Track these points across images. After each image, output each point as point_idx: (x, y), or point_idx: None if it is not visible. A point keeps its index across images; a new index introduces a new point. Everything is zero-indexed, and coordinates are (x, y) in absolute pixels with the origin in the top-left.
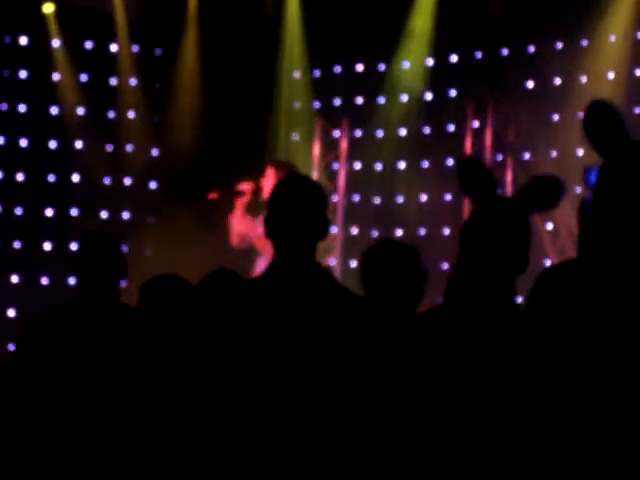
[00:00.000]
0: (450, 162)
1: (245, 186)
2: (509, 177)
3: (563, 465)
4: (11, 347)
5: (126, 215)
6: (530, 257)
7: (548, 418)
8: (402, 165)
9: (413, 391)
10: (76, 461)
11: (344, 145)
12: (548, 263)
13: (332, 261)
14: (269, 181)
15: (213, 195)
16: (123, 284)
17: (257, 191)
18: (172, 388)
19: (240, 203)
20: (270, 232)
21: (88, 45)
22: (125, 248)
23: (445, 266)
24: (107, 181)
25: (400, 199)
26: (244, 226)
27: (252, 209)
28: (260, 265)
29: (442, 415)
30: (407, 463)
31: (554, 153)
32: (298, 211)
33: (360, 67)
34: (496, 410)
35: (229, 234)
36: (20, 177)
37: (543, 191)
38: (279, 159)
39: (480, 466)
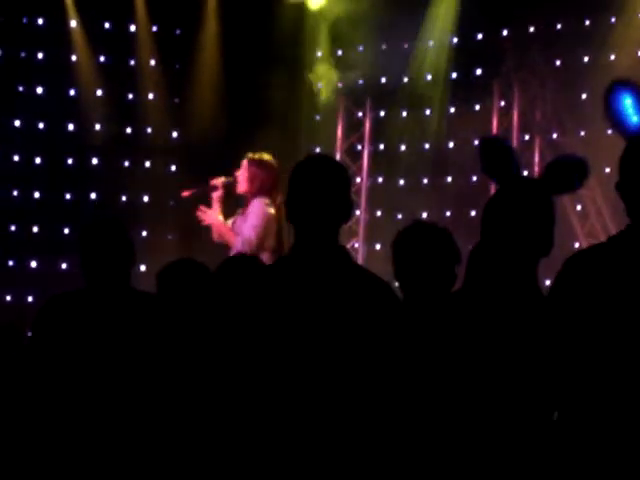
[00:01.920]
0: (476, 142)
1: (218, 180)
2: (536, 157)
3: (585, 453)
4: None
5: (146, 198)
6: (557, 239)
7: (571, 403)
8: (426, 146)
9: (435, 376)
10: (88, 451)
11: (367, 126)
12: (577, 245)
13: (355, 244)
14: (243, 174)
15: (186, 193)
16: (142, 268)
17: (231, 184)
18: (190, 374)
19: (216, 197)
20: (291, 215)
21: (106, 25)
22: (144, 232)
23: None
24: (126, 164)
25: (425, 181)
26: (216, 221)
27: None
28: None
29: (464, 399)
30: (434, 446)
31: (582, 132)
32: (320, 192)
33: (383, 46)
34: (518, 394)
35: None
36: (38, 160)
37: (567, 172)
38: (258, 154)
39: (501, 448)
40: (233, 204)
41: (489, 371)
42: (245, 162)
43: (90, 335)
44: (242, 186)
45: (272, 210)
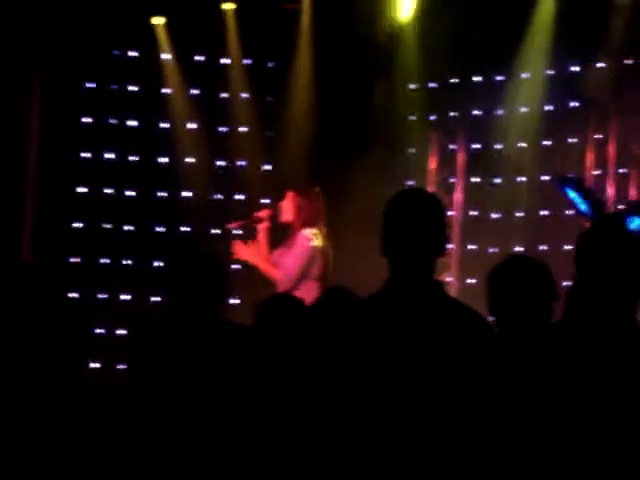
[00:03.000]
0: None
1: (263, 213)
2: (633, 191)
3: None
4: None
5: (238, 231)
6: None
7: None
8: (521, 179)
9: (534, 412)
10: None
11: (461, 158)
12: None
13: (448, 278)
14: (287, 205)
15: (232, 225)
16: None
17: (275, 216)
18: (285, 405)
19: (262, 230)
20: (386, 248)
21: (198, 58)
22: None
23: (567, 284)
24: (218, 196)
25: (519, 214)
26: (251, 257)
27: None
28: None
29: (564, 437)
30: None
31: None
32: (417, 226)
33: (477, 78)
34: (618, 430)
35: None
36: (130, 193)
37: None
38: (302, 185)
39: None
40: (280, 233)
41: (588, 408)
42: (291, 193)
43: (184, 364)
44: (287, 216)
45: (318, 242)
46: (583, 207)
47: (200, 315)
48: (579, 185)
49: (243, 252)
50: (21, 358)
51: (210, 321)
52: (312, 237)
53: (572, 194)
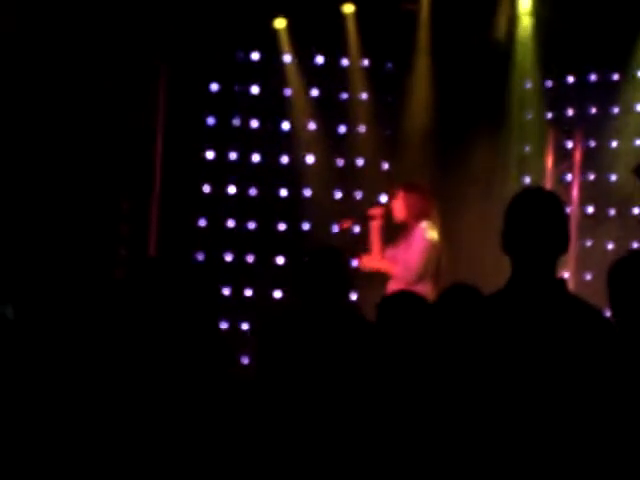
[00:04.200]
0: None
1: (376, 210)
2: None
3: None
4: (244, 360)
5: (357, 229)
6: None
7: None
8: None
9: None
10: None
11: (577, 156)
12: None
13: (566, 274)
14: (399, 203)
15: (345, 224)
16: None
17: (388, 214)
18: (409, 403)
19: (374, 227)
20: (508, 246)
21: (319, 60)
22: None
23: None
24: (338, 195)
25: (636, 211)
26: (375, 264)
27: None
28: (391, 285)
29: None
30: None
31: None
32: (540, 224)
33: (593, 77)
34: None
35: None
36: (253, 192)
37: None
38: (409, 181)
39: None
40: (392, 231)
41: None
42: (401, 191)
43: (313, 358)
44: (400, 214)
45: (435, 235)
46: None
47: (328, 308)
48: None
49: (367, 263)
50: (180, 353)
51: (338, 314)
52: (429, 230)
53: None
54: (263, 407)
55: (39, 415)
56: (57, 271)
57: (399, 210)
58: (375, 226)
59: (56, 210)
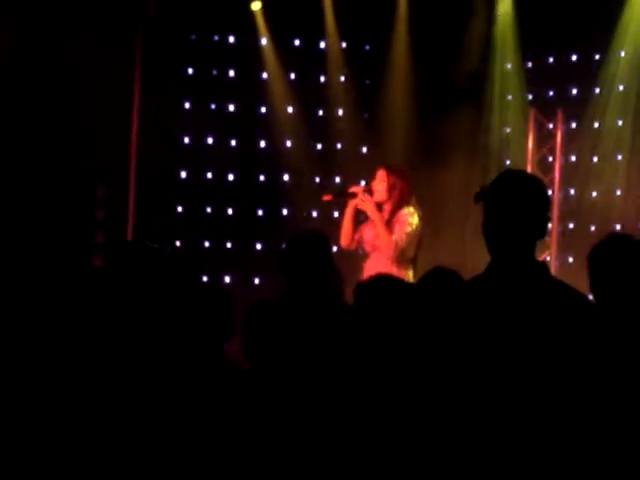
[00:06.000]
0: None
1: (357, 188)
2: None
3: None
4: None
5: (336, 214)
6: None
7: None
8: (619, 157)
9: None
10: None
11: (559, 137)
12: None
13: (548, 257)
14: (380, 185)
15: (327, 197)
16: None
17: (368, 194)
18: (389, 387)
19: (352, 205)
20: (487, 231)
21: (296, 42)
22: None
23: None
24: (317, 180)
25: (618, 192)
26: (355, 229)
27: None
28: (368, 268)
29: None
30: None
31: None
32: (518, 208)
33: (574, 57)
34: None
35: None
36: (231, 177)
37: None
38: (391, 163)
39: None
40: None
41: None
42: (383, 172)
43: (295, 342)
44: (381, 195)
45: (417, 220)
46: None
47: (311, 294)
48: None
49: (368, 202)
50: (166, 342)
51: (315, 298)
52: (413, 215)
53: None
54: (250, 393)
55: (18, 407)
56: (33, 259)
57: (379, 191)
58: (352, 204)
59: (30, 196)
